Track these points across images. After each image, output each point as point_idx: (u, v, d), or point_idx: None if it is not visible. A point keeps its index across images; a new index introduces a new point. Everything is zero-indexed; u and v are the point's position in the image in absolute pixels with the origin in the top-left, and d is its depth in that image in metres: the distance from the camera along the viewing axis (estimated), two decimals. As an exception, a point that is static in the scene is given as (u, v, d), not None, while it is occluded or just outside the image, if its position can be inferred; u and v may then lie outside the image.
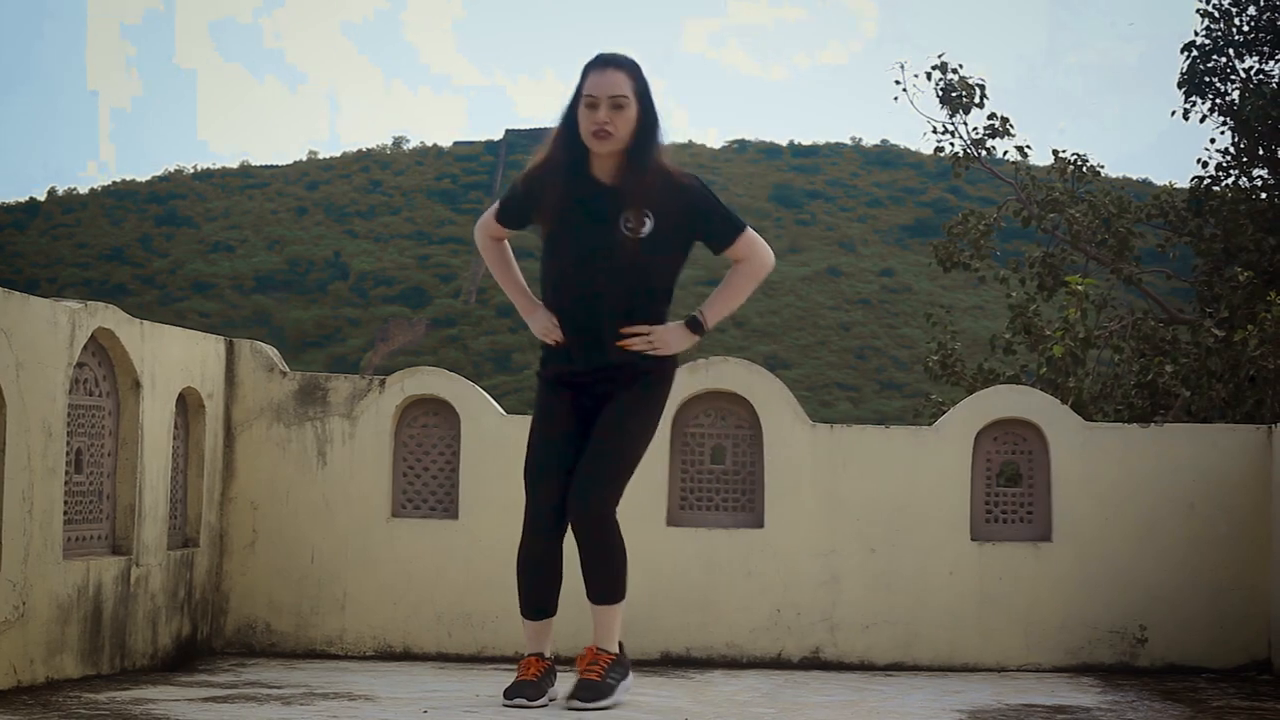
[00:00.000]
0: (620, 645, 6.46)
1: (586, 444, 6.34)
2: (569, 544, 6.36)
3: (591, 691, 6.23)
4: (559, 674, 6.52)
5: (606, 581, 6.36)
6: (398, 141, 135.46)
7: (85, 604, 6.96)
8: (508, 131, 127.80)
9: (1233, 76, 20.32)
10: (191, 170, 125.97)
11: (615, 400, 6.34)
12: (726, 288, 6.44)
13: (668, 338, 6.31)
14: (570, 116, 6.27)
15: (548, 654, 6.49)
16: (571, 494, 6.27)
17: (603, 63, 6.22)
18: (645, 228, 6.22)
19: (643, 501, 8.31)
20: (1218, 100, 20.29)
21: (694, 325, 6.36)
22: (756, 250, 6.42)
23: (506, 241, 6.69)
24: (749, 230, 6.40)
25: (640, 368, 6.33)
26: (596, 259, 6.24)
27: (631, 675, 6.57)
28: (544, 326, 6.37)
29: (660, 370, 6.43)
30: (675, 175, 6.31)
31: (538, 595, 6.43)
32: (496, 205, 6.62)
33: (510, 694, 6.29)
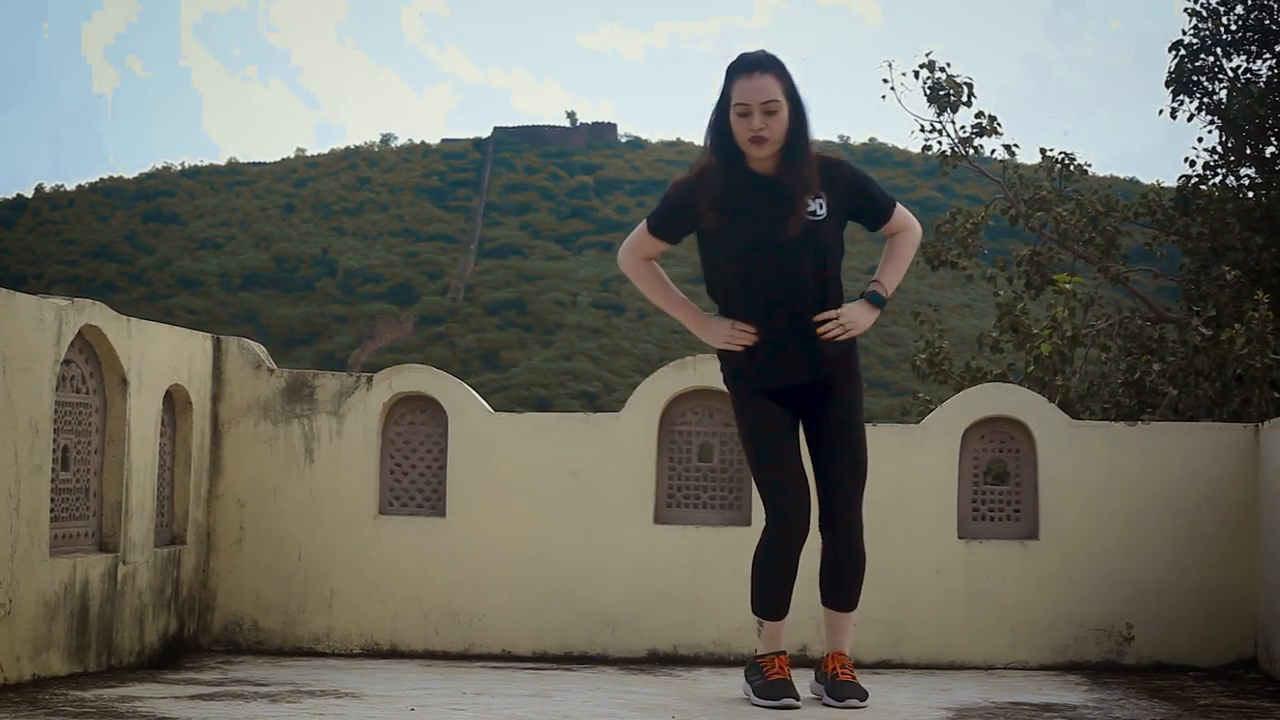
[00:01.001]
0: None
1: (824, 453, 6.47)
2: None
3: (854, 692, 6.49)
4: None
5: (857, 590, 6.64)
6: (386, 139, 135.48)
7: (72, 601, 6.95)
8: (496, 129, 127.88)
9: (1220, 75, 20.33)
10: (179, 167, 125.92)
11: (836, 406, 6.44)
12: (894, 258, 6.56)
13: (857, 318, 6.38)
14: (720, 122, 6.23)
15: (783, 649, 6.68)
16: (835, 513, 6.48)
17: (748, 67, 6.17)
18: (821, 209, 6.26)
19: (630, 500, 8.31)
20: (1205, 99, 20.30)
21: (875, 299, 6.49)
22: (909, 221, 6.56)
23: (656, 262, 6.58)
24: (899, 204, 6.55)
25: (843, 363, 6.42)
26: (783, 251, 6.23)
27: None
28: (726, 334, 6.32)
29: (856, 357, 6.54)
30: (829, 159, 6.39)
31: (785, 597, 6.60)
32: (646, 222, 6.48)
33: (773, 694, 6.43)
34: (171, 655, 7.95)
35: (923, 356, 19.10)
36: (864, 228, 6.54)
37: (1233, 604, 8.39)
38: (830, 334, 6.28)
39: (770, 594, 6.60)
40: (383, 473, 8.59)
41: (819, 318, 6.28)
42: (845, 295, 6.53)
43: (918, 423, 8.92)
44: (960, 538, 8.48)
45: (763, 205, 6.22)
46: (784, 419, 6.44)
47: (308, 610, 8.48)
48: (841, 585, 6.59)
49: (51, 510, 6.83)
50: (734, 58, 6.26)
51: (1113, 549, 8.43)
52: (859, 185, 6.40)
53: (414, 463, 8.62)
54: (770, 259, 6.22)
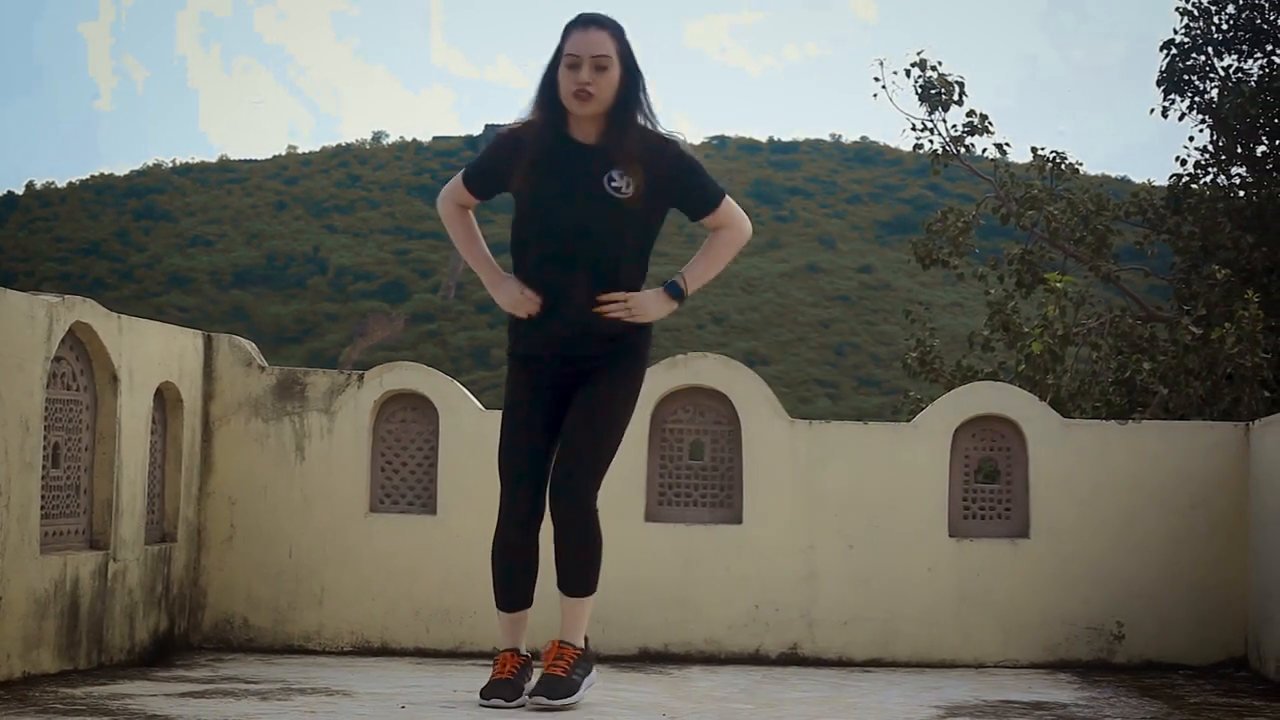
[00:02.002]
0: (585, 640, 6.36)
1: (564, 428, 6.16)
2: (544, 533, 6.29)
3: (557, 687, 6.11)
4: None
5: (582, 573, 6.23)
6: (377, 136, 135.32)
7: (62, 599, 6.94)
8: (487, 126, 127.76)
9: (1211, 75, 20.37)
10: (170, 164, 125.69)
11: (593, 383, 6.14)
12: (707, 254, 6.24)
13: (647, 305, 6.10)
14: (549, 77, 6.07)
15: (523, 649, 6.40)
16: (554, 484, 6.13)
17: (584, 22, 6.01)
18: (630, 188, 6.01)
19: (621, 497, 8.31)
20: (1197, 98, 20.34)
21: (674, 291, 6.16)
22: (736, 218, 6.24)
23: (471, 211, 6.41)
24: (729, 198, 6.21)
25: (619, 343, 6.14)
26: (578, 222, 6.02)
27: (596, 671, 6.46)
28: (514, 298, 6.12)
29: (637, 346, 6.24)
30: (657, 137, 6.11)
31: (515, 588, 6.31)
32: (464, 171, 6.35)
33: (486, 694, 6.20)
34: (162, 653, 7.94)
35: (914, 355, 19.11)
36: (685, 216, 6.25)
37: (1223, 603, 8.40)
38: (612, 313, 6.04)
39: (497, 583, 6.33)
40: (374, 470, 8.59)
41: (606, 297, 6.03)
42: (651, 282, 6.28)
43: (909, 421, 8.92)
44: (951, 536, 8.49)
45: (572, 173, 6.03)
46: (544, 404, 6.19)
47: (298, 608, 8.47)
48: (561, 566, 6.21)
49: (42, 507, 6.82)
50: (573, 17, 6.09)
51: (1103, 548, 8.44)
52: (684, 169, 6.12)
53: (405, 460, 8.61)
54: (567, 231, 6.03)
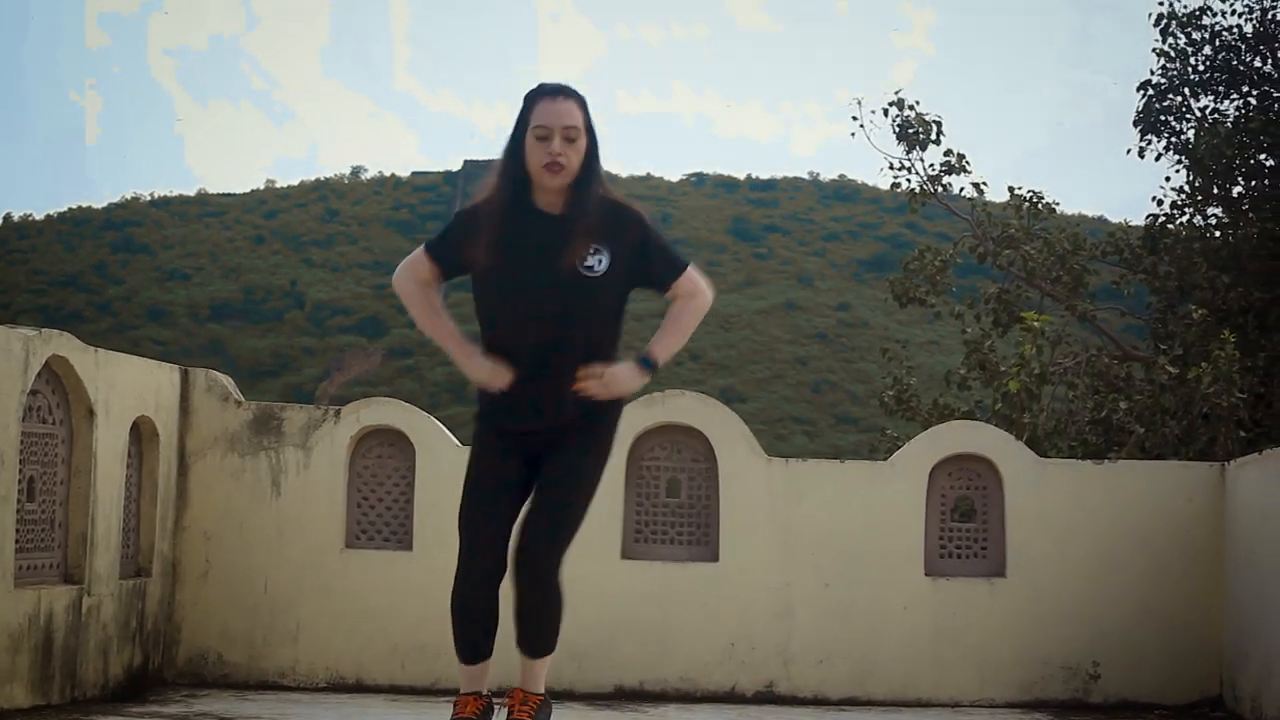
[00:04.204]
0: (544, 690, 6.31)
1: (533, 489, 6.06)
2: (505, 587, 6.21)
3: None
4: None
5: (543, 637, 6.17)
6: (356, 171, 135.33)
7: (36, 633, 6.91)
8: (466, 162, 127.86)
9: (1188, 115, 20.45)
10: (148, 197, 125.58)
11: (564, 448, 6.03)
12: (673, 325, 6.12)
13: (620, 379, 5.95)
14: (514, 148, 5.93)
15: (484, 692, 6.32)
16: (522, 551, 6.01)
17: (551, 92, 5.91)
18: (601, 264, 5.90)
19: (597, 534, 8.30)
20: (1173, 139, 20.42)
21: (646, 365, 6.01)
22: (700, 287, 6.12)
23: (434, 286, 6.19)
24: (691, 266, 6.10)
25: (591, 412, 6.01)
26: (548, 297, 5.87)
27: (554, 712, 6.43)
28: (488, 373, 5.96)
29: (610, 414, 6.14)
30: (620, 205, 6.00)
31: (476, 642, 6.22)
32: (424, 246, 6.15)
33: None
34: (136, 688, 7.91)
35: (891, 393, 19.12)
36: (652, 291, 6.10)
37: (1198, 642, 8.41)
38: (588, 390, 5.90)
39: (458, 637, 6.22)
40: (350, 506, 8.57)
41: (583, 372, 5.88)
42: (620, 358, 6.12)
43: (886, 459, 8.93)
44: (928, 575, 8.49)
45: (540, 247, 5.89)
46: (508, 464, 6.07)
47: (273, 644, 8.44)
48: (521, 628, 6.11)
49: (16, 541, 6.79)
50: (534, 87, 5.98)
51: (1079, 587, 8.44)
52: (647, 245, 5.99)
53: (381, 496, 8.60)
54: (537, 308, 5.89)
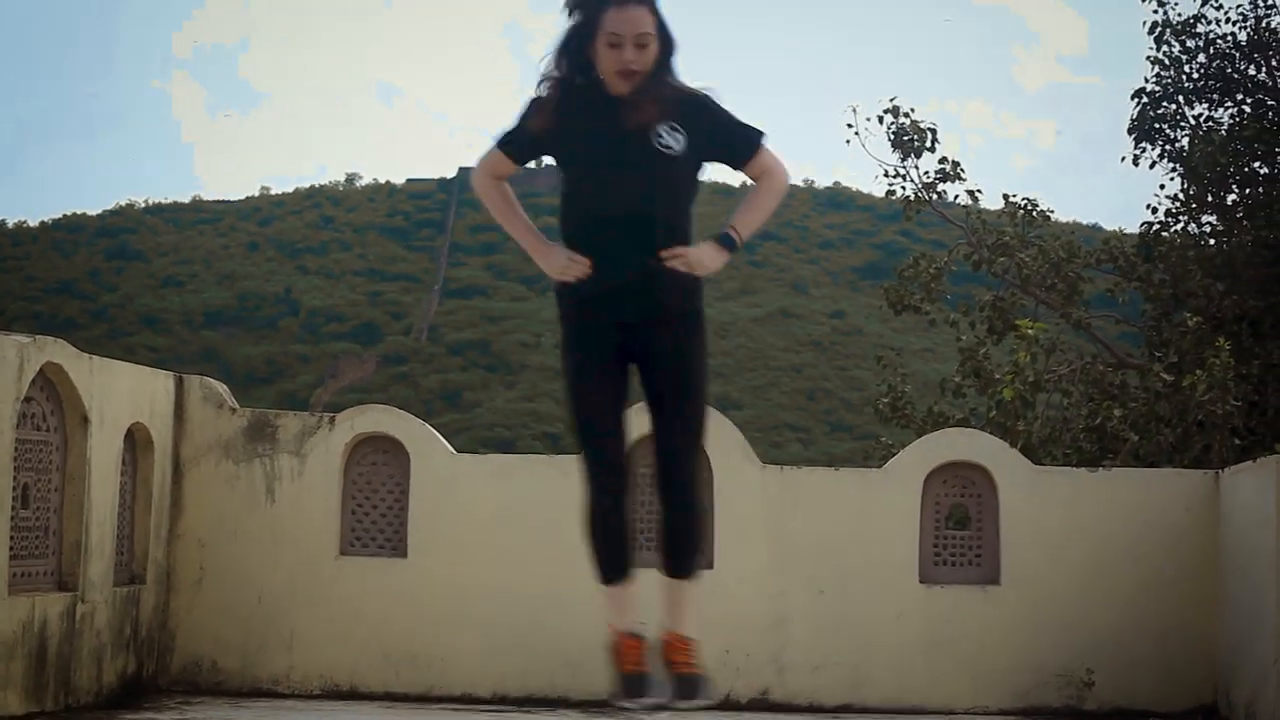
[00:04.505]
0: None
1: (657, 403, 5.99)
2: None
3: (700, 688, 5.85)
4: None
5: (696, 550, 6.06)
6: (350, 178, 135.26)
7: (30, 640, 6.90)
8: (461, 169, 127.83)
9: (1182, 123, 20.46)
10: (143, 204, 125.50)
11: (670, 353, 5.95)
12: (754, 203, 6.00)
13: (703, 257, 5.82)
14: (578, 46, 5.78)
15: (640, 630, 6.02)
16: (664, 464, 6.01)
17: None
18: (678, 144, 5.80)
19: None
20: (1168, 146, 20.42)
21: (727, 242, 5.90)
22: (777, 162, 6.01)
23: (506, 182, 6.07)
24: (766, 143, 5.97)
25: (679, 310, 5.92)
26: (626, 179, 5.79)
27: None
28: (561, 264, 5.85)
29: (699, 310, 6.06)
30: (689, 90, 5.89)
31: (620, 552, 6.05)
32: (498, 139, 6.00)
33: (626, 691, 5.86)
34: (130, 695, 7.90)
35: (885, 400, 19.10)
36: (727, 165, 6.00)
37: (1193, 649, 8.41)
38: (671, 265, 5.74)
39: (600, 554, 6.06)
40: (344, 513, 8.56)
41: (664, 253, 5.76)
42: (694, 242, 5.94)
43: (880, 467, 8.93)
44: (922, 582, 8.49)
45: (614, 129, 5.79)
46: (610, 362, 5.97)
47: (267, 651, 8.44)
48: (675, 545, 6.05)
49: (10, 548, 6.79)
50: None
51: (1074, 594, 8.44)
52: (720, 120, 5.91)
53: (375, 503, 8.59)
54: (616, 189, 5.81)
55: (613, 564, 6.08)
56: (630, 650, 5.95)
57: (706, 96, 5.92)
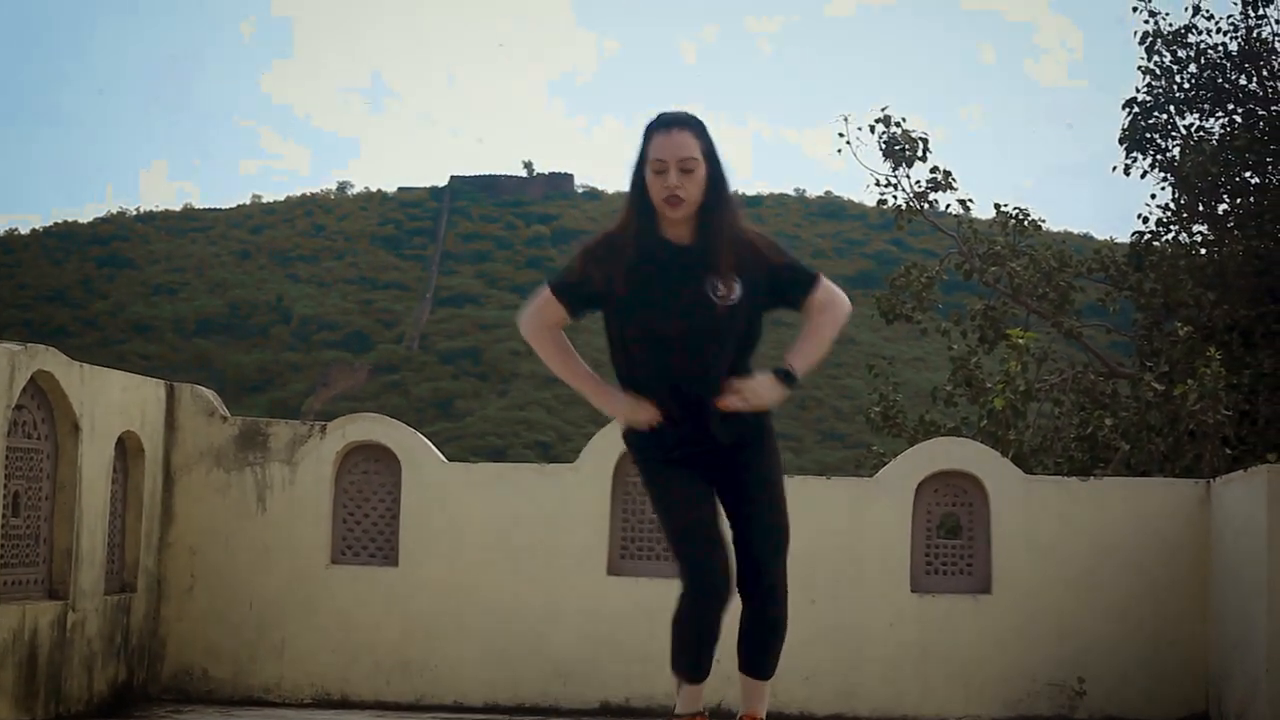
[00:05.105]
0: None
1: (744, 513, 6.06)
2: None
3: None
4: None
5: (774, 656, 6.25)
6: (342, 186, 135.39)
7: (20, 649, 6.89)
8: (453, 178, 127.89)
9: (1173, 133, 20.47)
10: (134, 212, 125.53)
11: (751, 463, 6.04)
12: (812, 336, 6.01)
13: (761, 392, 5.84)
14: (638, 180, 5.82)
15: (705, 712, 6.32)
16: (754, 571, 6.05)
17: (666, 124, 5.80)
18: (735, 293, 5.81)
19: (583, 551, 8.30)
20: (1159, 156, 20.43)
21: (785, 378, 5.92)
22: (836, 296, 6.02)
23: (561, 329, 6.02)
24: (823, 276, 6.00)
25: (754, 436, 6.01)
26: (685, 328, 5.79)
27: None
28: (630, 409, 5.89)
29: (769, 428, 6.12)
30: (747, 234, 5.91)
31: (706, 659, 6.15)
32: (549, 287, 5.98)
33: None
34: (121, 704, 7.90)
35: (876, 409, 19.11)
36: (786, 308, 6.00)
37: (1184, 658, 8.41)
38: (730, 406, 5.80)
39: (691, 655, 6.17)
40: (335, 521, 8.56)
41: (723, 395, 5.81)
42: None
43: (871, 476, 8.93)
44: (913, 591, 8.49)
45: (671, 278, 5.80)
46: (695, 482, 5.99)
47: (259, 659, 8.43)
48: (758, 652, 6.20)
49: (1, 556, 6.78)
50: (653, 118, 5.88)
51: (1065, 603, 8.44)
52: (775, 266, 5.92)
53: (366, 512, 8.59)
54: (678, 342, 5.81)
55: (704, 666, 6.18)
56: None
57: (765, 238, 5.93)
